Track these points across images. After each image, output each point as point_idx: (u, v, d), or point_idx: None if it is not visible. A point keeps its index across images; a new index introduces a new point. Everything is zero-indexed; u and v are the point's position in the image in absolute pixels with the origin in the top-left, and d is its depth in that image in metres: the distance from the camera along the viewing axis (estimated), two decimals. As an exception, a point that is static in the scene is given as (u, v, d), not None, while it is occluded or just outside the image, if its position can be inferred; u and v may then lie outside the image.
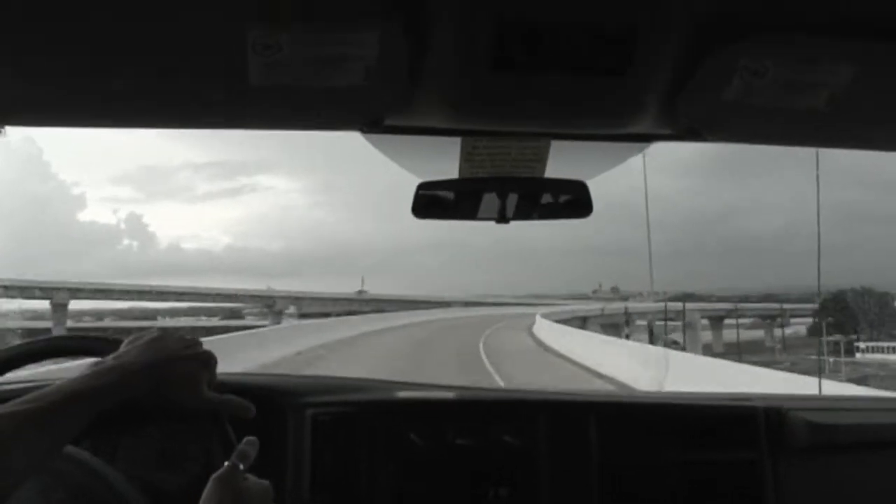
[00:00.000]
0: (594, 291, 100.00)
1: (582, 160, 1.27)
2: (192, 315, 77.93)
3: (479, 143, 1.18)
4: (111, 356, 0.92)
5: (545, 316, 34.41)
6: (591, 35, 0.84)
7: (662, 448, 1.51)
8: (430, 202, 1.28)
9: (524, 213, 1.30)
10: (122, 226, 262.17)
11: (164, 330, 0.97)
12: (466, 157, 1.20)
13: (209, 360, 0.96)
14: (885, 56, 0.86)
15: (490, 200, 1.28)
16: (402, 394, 1.60)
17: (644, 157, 1.26)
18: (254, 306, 59.72)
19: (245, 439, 0.95)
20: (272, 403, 1.47)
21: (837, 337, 46.76)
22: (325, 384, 1.62)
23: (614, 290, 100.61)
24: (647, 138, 1.18)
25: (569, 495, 1.44)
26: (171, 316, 75.40)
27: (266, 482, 0.94)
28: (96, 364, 0.90)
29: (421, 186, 1.27)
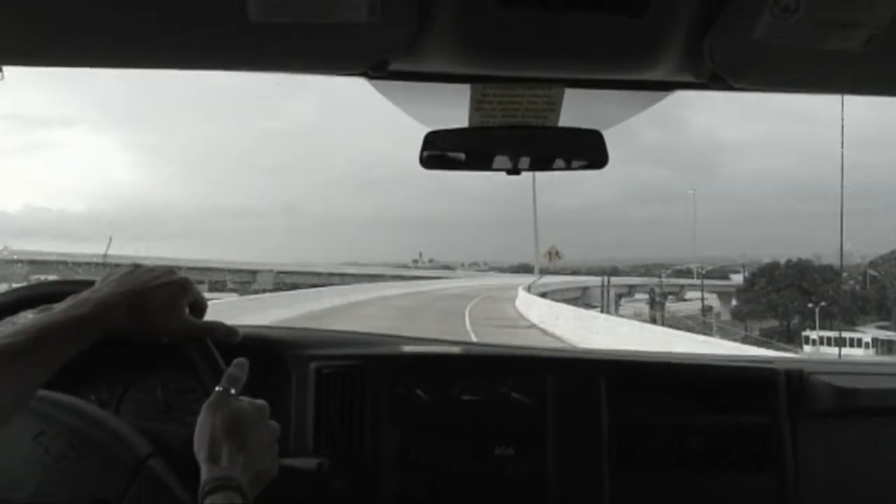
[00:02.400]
0: (414, 261, 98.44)
1: (597, 109, 1.22)
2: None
3: (490, 91, 1.13)
4: (86, 291, 0.92)
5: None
6: None
7: (676, 410, 1.48)
8: (438, 152, 1.24)
9: (536, 164, 1.26)
10: None
11: (136, 265, 0.97)
12: (476, 106, 1.16)
13: (186, 284, 0.96)
14: None
15: (501, 150, 1.23)
16: (408, 348, 1.58)
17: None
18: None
19: (234, 362, 0.95)
20: (276, 356, 1.46)
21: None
22: (330, 337, 1.61)
23: (432, 261, 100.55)
24: (668, 86, 1.12)
25: (577, 455, 1.42)
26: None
27: (262, 401, 0.93)
28: (72, 298, 0.90)
29: (429, 136, 1.23)
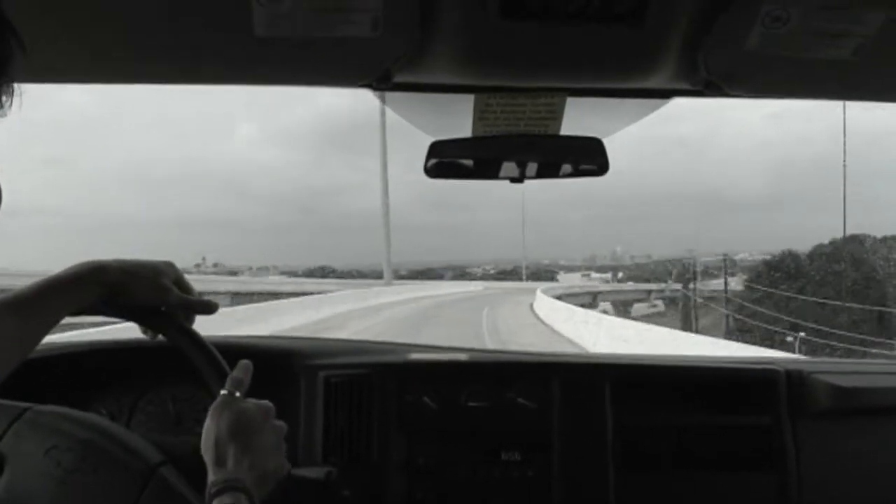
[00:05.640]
0: (196, 266, 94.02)
1: (598, 117, 1.23)
2: None
3: (493, 100, 1.15)
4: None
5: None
6: None
7: (679, 412, 1.49)
8: (443, 161, 1.26)
9: (539, 171, 1.27)
10: None
11: None
12: (480, 115, 1.18)
13: (172, 265, 1.04)
14: None
15: (504, 158, 1.25)
16: (415, 356, 1.59)
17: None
18: None
19: (238, 364, 0.96)
20: (284, 366, 1.47)
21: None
22: (338, 346, 1.63)
23: (217, 265, 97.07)
24: (666, 94, 1.14)
25: (583, 459, 1.43)
26: None
27: (267, 402, 0.94)
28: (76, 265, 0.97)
29: (434, 145, 1.24)
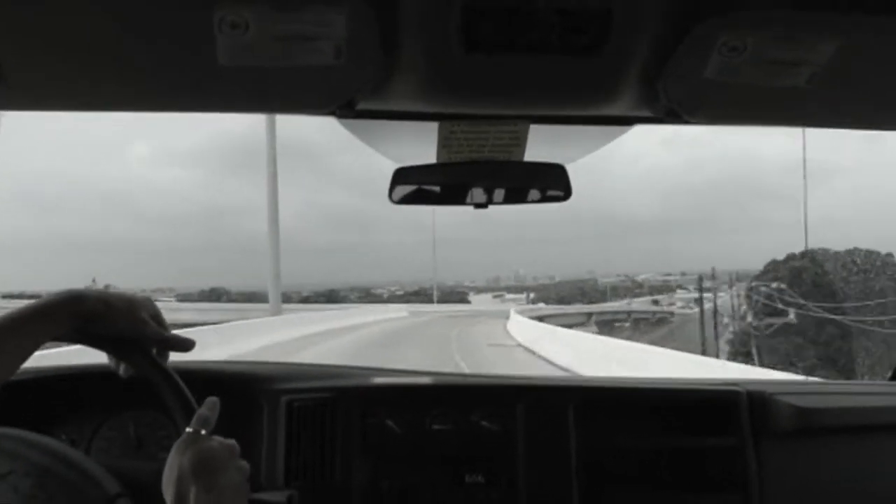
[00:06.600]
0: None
1: (562, 144, 1.25)
2: None
3: (457, 128, 1.16)
4: None
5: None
6: (563, 14, 0.82)
7: (643, 433, 1.50)
8: (406, 188, 1.26)
9: (506, 197, 1.29)
10: None
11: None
12: (444, 143, 1.18)
13: (150, 300, 1.06)
14: (869, 31, 0.85)
15: (469, 185, 1.26)
16: (379, 380, 1.59)
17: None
18: None
19: (206, 401, 0.95)
20: (247, 391, 1.46)
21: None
22: (300, 371, 1.61)
23: (107, 286, 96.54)
24: (627, 121, 1.16)
25: (547, 481, 1.43)
26: None
27: (232, 441, 0.93)
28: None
29: (398, 172, 1.25)
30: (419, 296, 74.67)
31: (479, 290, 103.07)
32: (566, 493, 1.42)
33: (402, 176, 1.24)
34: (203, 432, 0.92)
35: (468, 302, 74.78)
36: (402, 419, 1.44)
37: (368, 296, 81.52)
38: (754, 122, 1.22)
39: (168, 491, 0.88)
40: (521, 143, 1.20)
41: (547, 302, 71.17)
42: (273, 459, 1.41)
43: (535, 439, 1.44)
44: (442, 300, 70.64)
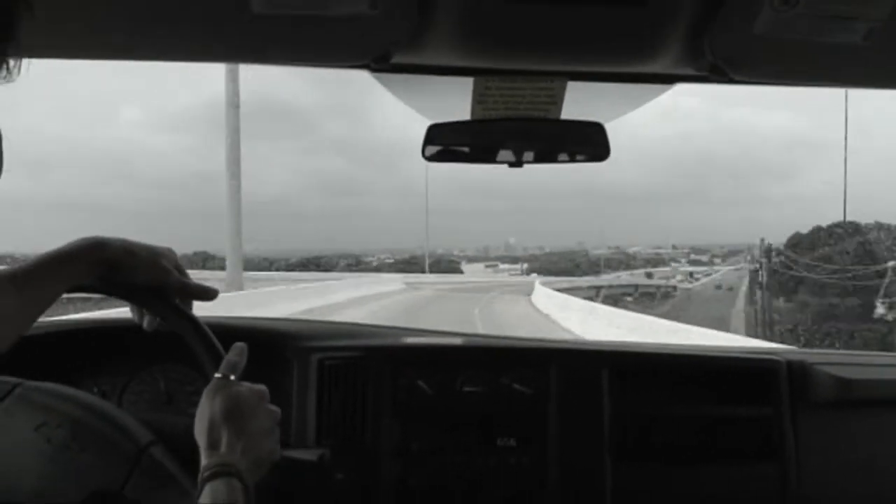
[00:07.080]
0: None
1: (599, 103, 1.22)
2: None
3: (492, 84, 1.14)
4: None
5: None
6: None
7: (678, 401, 1.48)
8: (440, 144, 1.24)
9: (538, 156, 1.26)
10: None
11: None
12: (479, 99, 1.16)
13: (172, 252, 1.04)
14: None
15: (503, 143, 1.23)
16: (410, 340, 1.58)
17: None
18: None
19: (233, 347, 0.95)
20: (278, 348, 1.46)
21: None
22: (332, 329, 1.61)
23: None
24: (669, 79, 1.12)
25: (578, 446, 1.42)
26: None
27: (261, 386, 0.93)
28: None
29: (431, 128, 1.23)
30: (411, 265, 72.80)
31: (469, 260, 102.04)
32: (598, 458, 1.42)
33: (435, 132, 1.22)
34: (232, 377, 0.92)
35: (461, 272, 72.72)
36: (432, 380, 1.43)
37: (359, 264, 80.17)
38: (804, 83, 1.16)
39: (200, 437, 0.88)
40: (557, 100, 1.17)
41: (540, 273, 69.21)
42: (303, 417, 1.41)
43: (567, 403, 1.43)
44: (433, 269, 68.63)
